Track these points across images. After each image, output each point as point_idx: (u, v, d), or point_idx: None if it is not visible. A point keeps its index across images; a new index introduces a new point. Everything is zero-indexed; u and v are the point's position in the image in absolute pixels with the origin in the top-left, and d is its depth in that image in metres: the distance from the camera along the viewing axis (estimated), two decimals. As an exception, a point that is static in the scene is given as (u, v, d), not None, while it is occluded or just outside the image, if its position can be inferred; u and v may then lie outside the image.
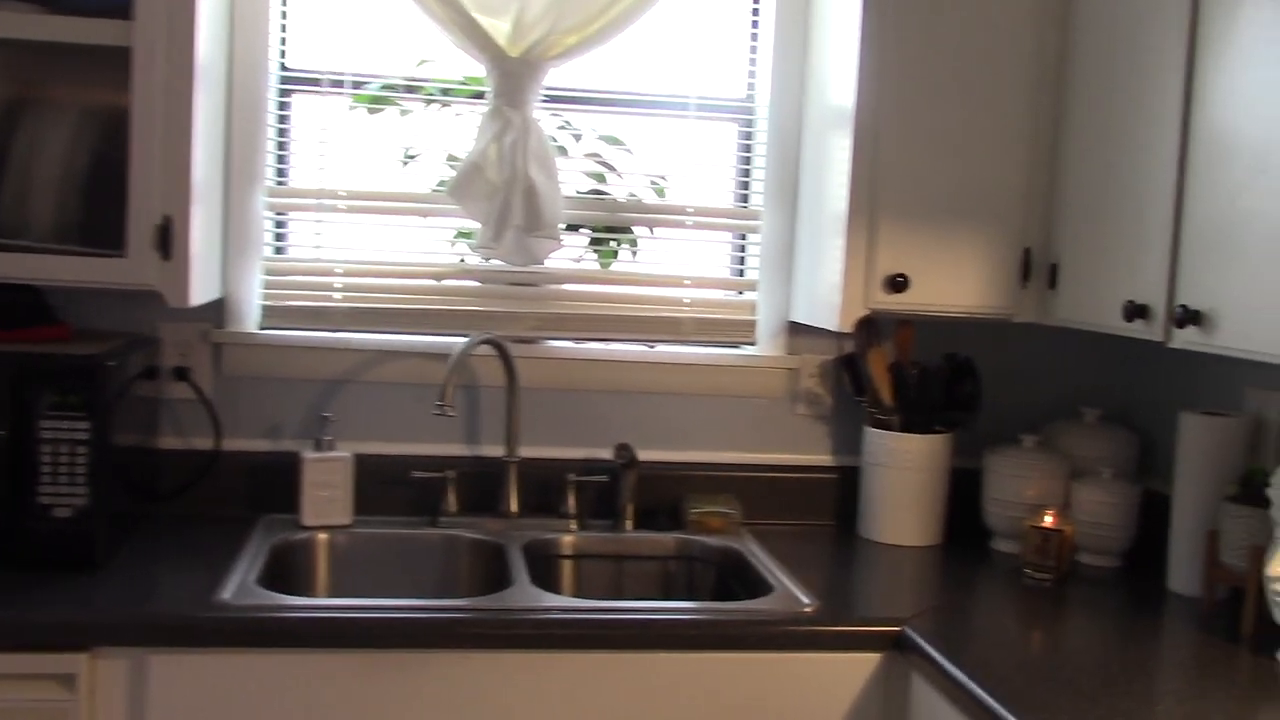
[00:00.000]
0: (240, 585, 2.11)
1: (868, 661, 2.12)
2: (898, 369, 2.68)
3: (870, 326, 2.62)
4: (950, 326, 2.68)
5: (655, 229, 2.79)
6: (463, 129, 2.71)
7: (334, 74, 2.64)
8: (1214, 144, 1.99)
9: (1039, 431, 2.72)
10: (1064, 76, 2.45)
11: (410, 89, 2.71)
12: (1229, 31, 1.97)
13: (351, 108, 2.68)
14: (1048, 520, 2.45)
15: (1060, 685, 1.85)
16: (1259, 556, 2.12)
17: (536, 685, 2.04)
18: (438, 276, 2.69)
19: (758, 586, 2.33)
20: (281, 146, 2.67)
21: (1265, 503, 2.12)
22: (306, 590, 2.45)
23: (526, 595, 2.16)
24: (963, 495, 2.69)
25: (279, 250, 2.69)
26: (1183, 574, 2.39)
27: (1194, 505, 2.36)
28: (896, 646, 2.10)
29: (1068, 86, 2.44)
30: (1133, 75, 2.22)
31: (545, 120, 2.64)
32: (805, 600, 2.19)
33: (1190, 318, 2.00)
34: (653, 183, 2.82)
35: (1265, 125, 1.86)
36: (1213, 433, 2.36)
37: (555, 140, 2.67)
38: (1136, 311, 2.14)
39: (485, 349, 2.56)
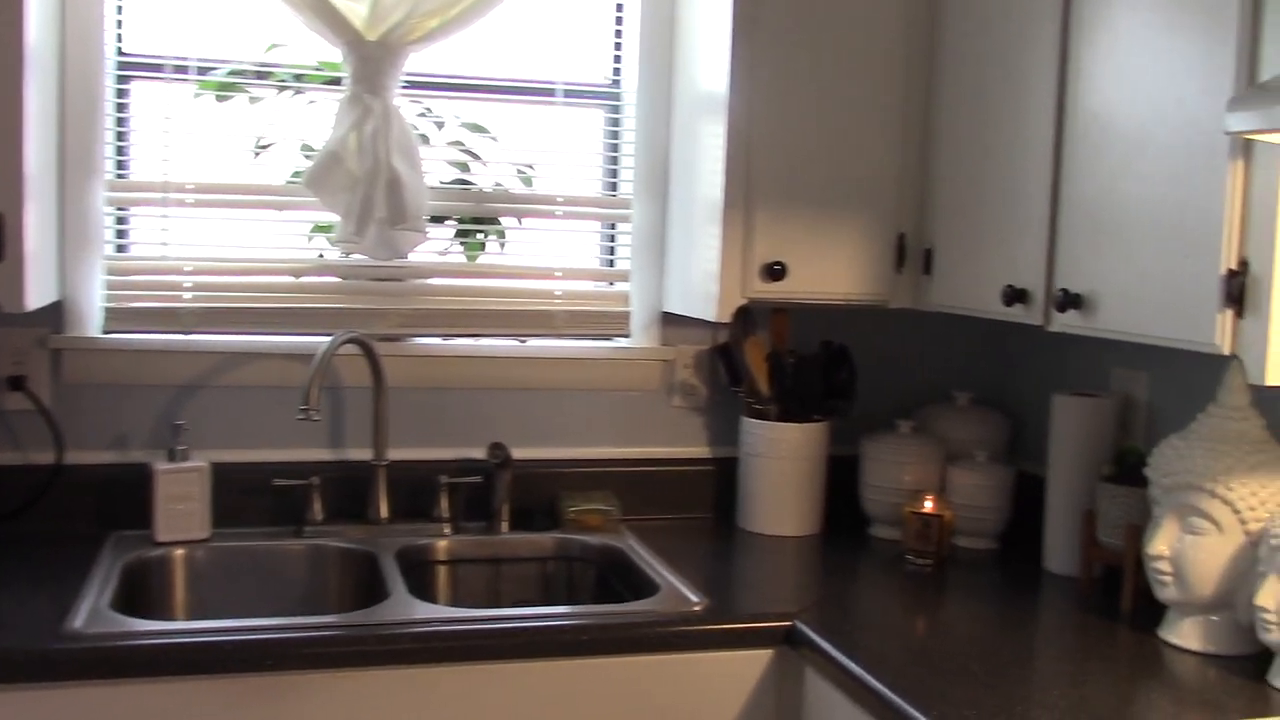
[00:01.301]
0: (92, 611, 1.96)
1: (760, 658, 2.08)
2: (775, 358, 2.65)
3: (745, 315, 2.58)
4: (823, 314, 2.66)
5: (523, 219, 2.70)
6: (318, 117, 2.58)
7: (177, 59, 2.47)
8: (1091, 127, 1.99)
9: (912, 417, 2.72)
10: (935, 60, 2.44)
11: (260, 75, 2.56)
12: (1103, 14, 1.98)
13: (197, 95, 2.52)
14: (927, 506, 2.45)
15: (956, 673, 1.84)
16: (1136, 535, 2.15)
17: (419, 702, 1.94)
18: (295, 273, 2.55)
19: (643, 586, 2.27)
20: (121, 137, 2.49)
21: (1142, 482, 2.15)
22: (164, 612, 2.30)
23: (406, 607, 2.05)
24: (839, 483, 2.68)
25: (121, 248, 2.52)
26: (1059, 554, 2.41)
27: (1068, 485, 2.39)
28: (788, 641, 2.07)
29: (939, 71, 2.44)
30: (1005, 59, 2.22)
31: (405, 107, 2.52)
32: (694, 598, 2.14)
33: (1071, 301, 2.00)
34: (519, 171, 2.72)
35: (1142, 108, 1.88)
36: (1084, 413, 2.38)
37: (416, 128, 2.55)
38: (1016, 296, 2.14)
39: (349, 348, 2.44)
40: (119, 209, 2.50)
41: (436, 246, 2.66)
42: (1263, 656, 1.89)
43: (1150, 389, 2.38)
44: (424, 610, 2.05)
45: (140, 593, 2.23)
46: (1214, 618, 1.96)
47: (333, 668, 1.91)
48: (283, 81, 2.58)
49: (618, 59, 2.73)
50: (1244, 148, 1.68)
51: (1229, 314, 1.71)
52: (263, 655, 1.87)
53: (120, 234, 2.52)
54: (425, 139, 2.61)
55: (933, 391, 2.83)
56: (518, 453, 2.58)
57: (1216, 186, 1.72)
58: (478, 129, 2.69)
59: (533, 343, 2.68)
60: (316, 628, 1.95)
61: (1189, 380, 2.28)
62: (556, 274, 2.68)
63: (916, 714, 1.69)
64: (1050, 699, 1.75)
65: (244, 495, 2.47)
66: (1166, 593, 1.99)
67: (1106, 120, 1.95)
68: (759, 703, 2.08)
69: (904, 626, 2.13)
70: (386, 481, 2.51)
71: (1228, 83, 1.70)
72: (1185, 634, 1.99)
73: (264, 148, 2.59)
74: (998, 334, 2.83)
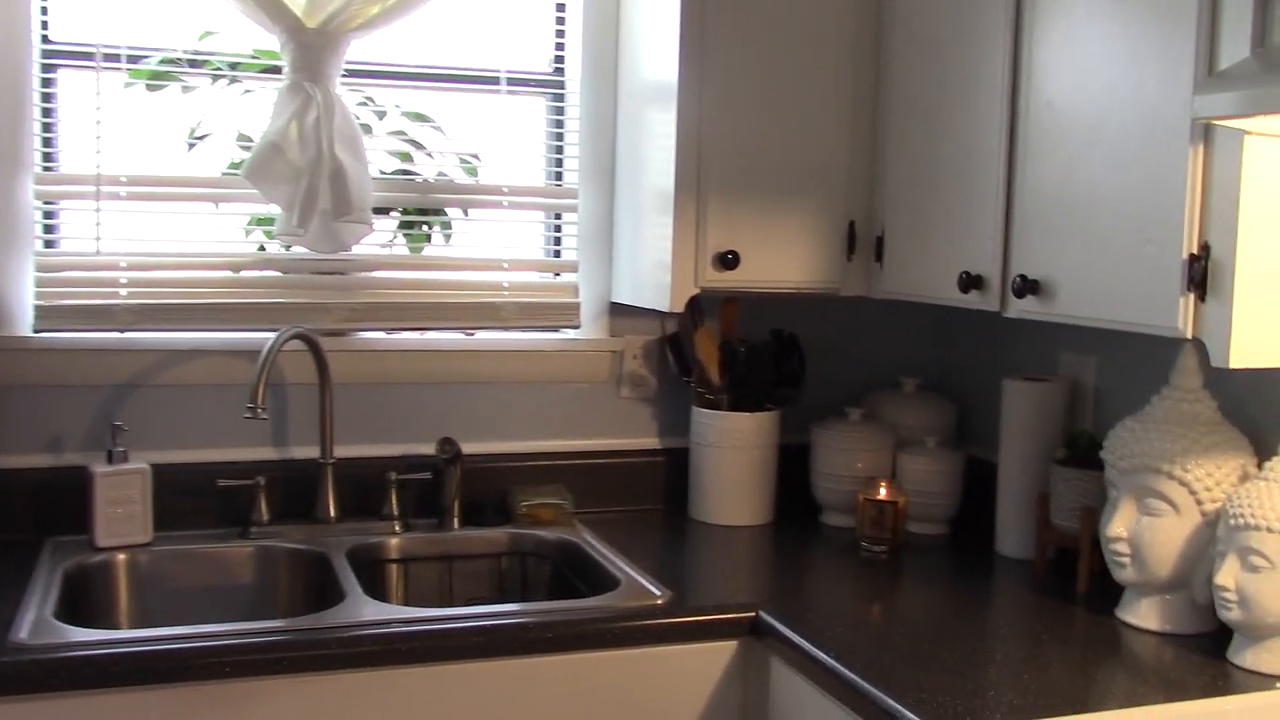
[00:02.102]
0: (36, 622, 1.88)
1: (724, 650, 2.07)
2: (726, 347, 2.63)
3: (694, 305, 2.56)
4: (770, 302, 2.65)
5: (469, 210, 2.65)
6: (255, 106, 2.50)
7: (106, 47, 2.38)
8: (1046, 115, 2.00)
9: (861, 404, 2.73)
10: (885, 47, 2.44)
11: (194, 64, 2.48)
12: (1056, 2, 1.99)
13: (127, 85, 2.43)
14: (881, 492, 2.46)
15: (925, 660, 1.84)
16: (1091, 518, 2.17)
17: (382, 704, 1.90)
18: (235, 267, 2.48)
19: (602, 580, 2.24)
20: (48, 129, 2.40)
21: (1095, 465, 2.17)
22: (108, 620, 2.22)
23: (364, 608, 2.00)
24: (789, 471, 2.67)
25: (51, 244, 2.42)
26: (1011, 537, 2.43)
27: (1019, 469, 2.41)
28: (753, 632, 2.06)
29: (889, 58, 2.43)
30: (956, 47, 2.23)
31: (345, 97, 2.46)
32: (656, 592, 2.12)
33: (1029, 287, 2.01)
34: (463, 161, 2.67)
35: (1099, 95, 1.89)
36: (1034, 398, 2.41)
37: (358, 118, 2.48)
38: (972, 283, 2.15)
39: (293, 344, 2.38)
40: (47, 203, 2.41)
41: (380, 239, 2.60)
42: (1219, 634, 1.92)
43: (1098, 373, 2.41)
44: (383, 611, 2.00)
45: (83, 600, 2.15)
46: (1170, 597, 1.99)
47: (293, 673, 1.85)
48: (217, 70, 2.50)
49: (560, 47, 2.69)
50: (1205, 133, 1.70)
51: (1191, 298, 1.73)
52: (221, 662, 1.81)
53: (49, 229, 2.42)
54: (367, 129, 2.55)
55: (880, 378, 2.84)
56: (467, 447, 2.54)
57: (1177, 172, 1.73)
58: (421, 118, 2.64)
59: (480, 335, 2.64)
60: (275, 632, 1.88)
61: (1136, 364, 2.31)
62: (504, 265, 2.63)
63: (894, 704, 1.68)
64: (1021, 682, 1.76)
65: (187, 497, 2.40)
66: (1124, 574, 2.01)
67: (1063, 108, 1.96)
68: (724, 695, 2.07)
69: (867, 614, 2.12)
70: (334, 480, 2.46)
71: (1187, 69, 1.72)
72: (1143, 614, 2.01)
73: (199, 139, 2.51)
74: (943, 320, 2.85)
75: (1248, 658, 1.83)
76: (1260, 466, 1.92)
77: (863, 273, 2.49)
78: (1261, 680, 1.79)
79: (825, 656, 1.86)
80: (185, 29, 2.46)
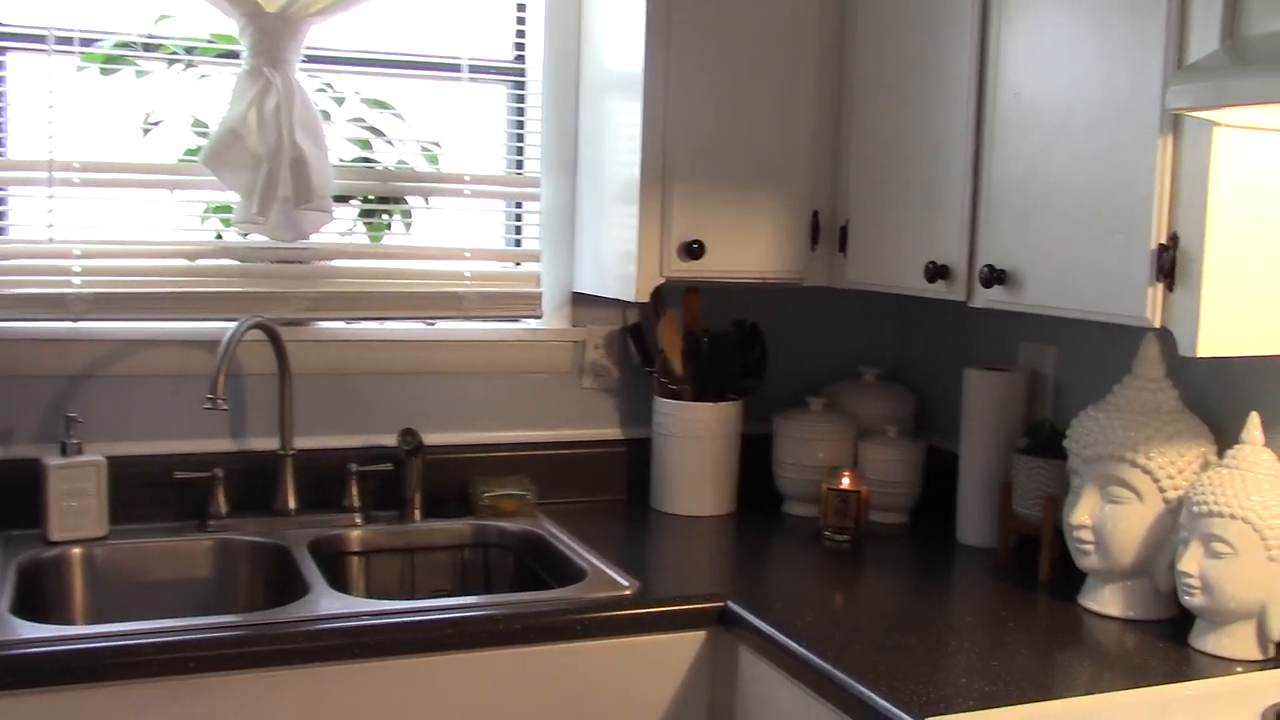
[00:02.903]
0: (-7, 618, 1.83)
1: (693, 639, 2.06)
2: (690, 337, 2.62)
3: (657, 295, 2.54)
4: (731, 292, 2.65)
5: (430, 198, 2.61)
6: (211, 92, 2.45)
7: (59, 30, 2.32)
8: (1014, 107, 2.01)
9: (822, 394, 2.73)
10: (850, 37, 2.43)
11: (149, 47, 2.42)
12: (1023, -6, 2.00)
13: (80, 69, 2.37)
14: (845, 482, 2.46)
15: (895, 648, 1.84)
16: (1054, 506, 2.19)
17: (350, 698, 1.87)
18: (192, 256, 2.43)
19: (568, 571, 2.23)
20: (-2, 113, 2.33)
21: (1056, 453, 2.19)
22: (63, 617, 2.17)
23: (330, 601, 1.97)
24: (750, 461, 2.67)
25: (1, 231, 2.36)
26: (973, 526, 2.45)
27: (981, 459, 2.42)
28: (721, 622, 2.05)
29: (854, 47, 2.43)
30: (922, 37, 2.23)
31: (304, 82, 2.41)
32: (624, 582, 2.11)
33: (996, 277, 2.02)
34: (424, 149, 2.64)
35: (1066, 87, 1.90)
36: (995, 388, 2.42)
37: (317, 104, 2.44)
38: (939, 272, 2.15)
39: (252, 333, 2.33)
40: (-2, 189, 2.35)
41: (340, 227, 2.56)
42: (1180, 620, 1.95)
43: (1058, 363, 2.43)
44: (350, 604, 1.98)
45: (36, 596, 2.10)
46: (1132, 584, 2.01)
47: (258, 667, 1.82)
48: (173, 55, 2.44)
49: (521, 34, 2.67)
50: (1173, 124, 1.71)
51: (1160, 288, 1.74)
52: (185, 657, 1.77)
53: (0, 215, 2.37)
54: (326, 116, 2.51)
55: (840, 368, 2.84)
56: (428, 438, 2.52)
57: (1146, 162, 1.74)
58: (381, 105, 2.60)
59: (441, 325, 2.61)
60: (239, 626, 1.85)
61: (1095, 354, 2.33)
62: (465, 254, 2.60)
63: (867, 692, 1.69)
64: (991, 670, 1.77)
65: (143, 490, 2.35)
66: (1088, 561, 2.03)
67: (1031, 98, 1.97)
68: (692, 685, 2.06)
69: (834, 603, 2.13)
70: (294, 472, 2.42)
71: (1157, 61, 1.73)
72: (1106, 601, 2.03)
73: (154, 124, 2.45)
74: (903, 310, 2.86)
75: (1210, 642, 1.86)
76: (1221, 455, 1.94)
77: (826, 263, 2.49)
78: (1224, 665, 1.82)
79: (796, 646, 1.86)
80: (140, 12, 2.40)
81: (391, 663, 1.89)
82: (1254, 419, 1.87)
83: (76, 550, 2.21)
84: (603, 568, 2.18)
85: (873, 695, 1.67)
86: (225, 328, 2.26)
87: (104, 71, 2.41)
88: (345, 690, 1.87)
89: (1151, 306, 1.75)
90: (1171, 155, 1.72)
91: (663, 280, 2.40)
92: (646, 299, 2.41)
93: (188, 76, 2.46)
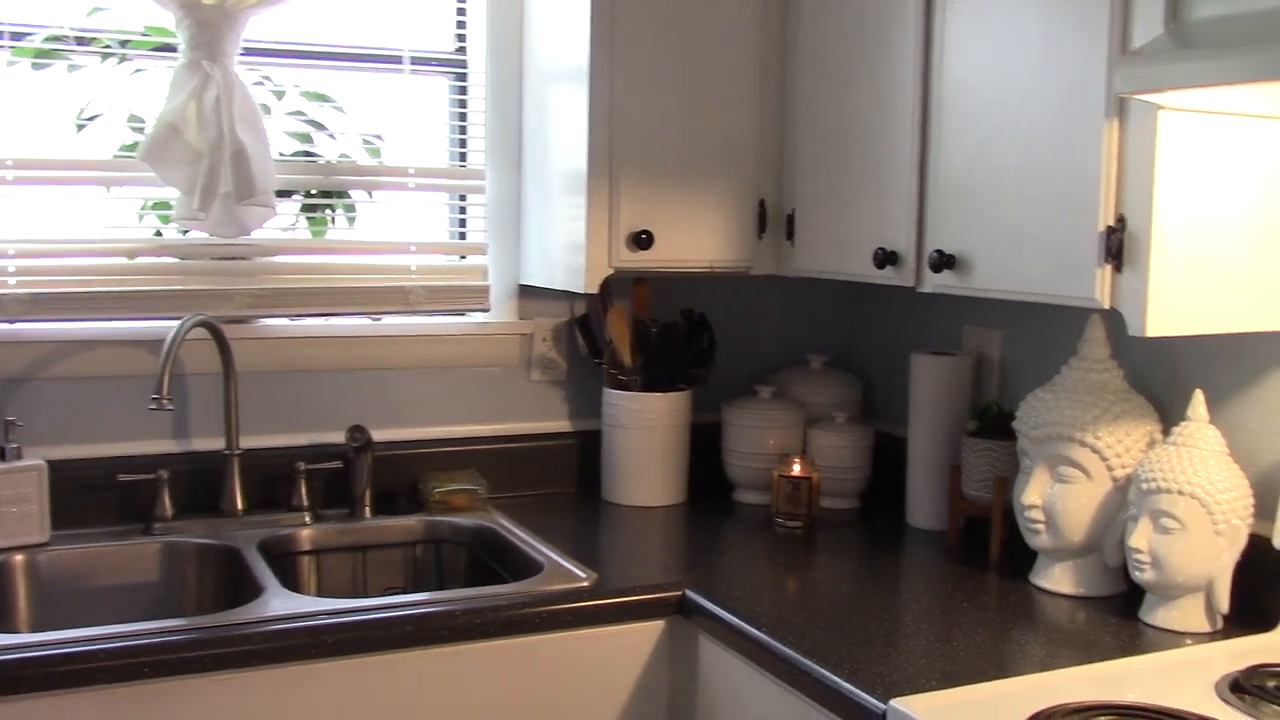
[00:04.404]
0: (-64, 628, 1.78)
1: (652, 629, 2.07)
2: (639, 328, 2.62)
3: (604, 286, 2.54)
4: (677, 282, 2.65)
5: (374, 192, 2.59)
6: (147, 86, 2.41)
7: (-13, 23, 2.27)
8: (960, 91, 2.03)
9: (769, 381, 2.74)
10: (794, 24, 2.44)
11: (82, 41, 2.37)
12: (967, -19, 2.02)
13: (11, 63, 2.31)
14: (796, 468, 2.48)
15: (855, 632, 1.86)
16: (1003, 487, 2.23)
17: (308, 700, 1.85)
18: (130, 254, 2.38)
19: (523, 565, 2.22)
20: (-75, 109, 2.27)
21: (1005, 435, 2.23)
22: (6, 625, 2.12)
23: (286, 601, 1.95)
24: (699, 450, 2.68)
25: (-70, 231, 2.30)
26: (922, 509, 2.48)
27: (929, 442, 2.45)
28: (680, 611, 2.06)
29: (797, 34, 2.43)
30: (866, 21, 2.24)
31: (242, 75, 2.37)
32: (581, 574, 2.11)
33: (946, 262, 2.04)
34: (366, 142, 2.61)
35: (1014, 73, 1.92)
36: (942, 372, 2.45)
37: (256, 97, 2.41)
38: (888, 259, 2.17)
39: (194, 332, 2.29)
40: (-75, 188, 2.28)
41: (282, 222, 2.53)
42: (1130, 595, 1.99)
43: (1004, 346, 2.46)
44: (306, 603, 1.95)
45: (-21, 605, 2.05)
46: (1082, 561, 2.05)
47: (216, 670, 1.79)
48: (107, 48, 2.39)
49: (462, 25, 2.65)
50: (1119, 108, 1.74)
51: (1108, 269, 1.77)
52: (140, 663, 1.74)
53: (-72, 215, 2.30)
54: (265, 109, 2.47)
55: (787, 355, 2.86)
56: (377, 435, 2.49)
57: (1093, 146, 1.77)
58: (321, 98, 2.57)
59: (387, 320, 2.58)
60: (195, 629, 1.82)
61: (1039, 337, 2.36)
62: (411, 248, 2.58)
63: (830, 675, 1.70)
64: (951, 650, 1.79)
65: (85, 494, 2.31)
66: (1039, 540, 2.07)
67: (976, 83, 1.99)
68: (653, 674, 2.07)
69: (791, 589, 2.14)
70: (240, 471, 2.39)
71: (1101, 46, 1.76)
72: (1056, 579, 2.07)
73: (88, 120, 2.41)
74: (849, 298, 2.88)
75: (1159, 616, 1.90)
76: (1166, 433, 1.99)
77: (774, 251, 2.50)
78: (1173, 638, 1.86)
79: (757, 632, 1.87)
80: (72, 5, 2.35)
81: (352, 661, 1.87)
82: (1198, 396, 1.91)
83: (19, 557, 2.16)
84: (559, 560, 2.18)
85: (836, 679, 1.69)
86: (167, 327, 2.23)
87: (36, 66, 2.36)
88: (305, 691, 1.85)
89: (1100, 288, 1.78)
90: (1118, 138, 1.75)
91: (612, 271, 2.39)
92: (596, 290, 2.41)
93: (123, 70, 2.42)
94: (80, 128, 2.40)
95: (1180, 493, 1.84)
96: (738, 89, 2.44)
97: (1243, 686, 1.61)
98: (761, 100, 2.46)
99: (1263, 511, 1.88)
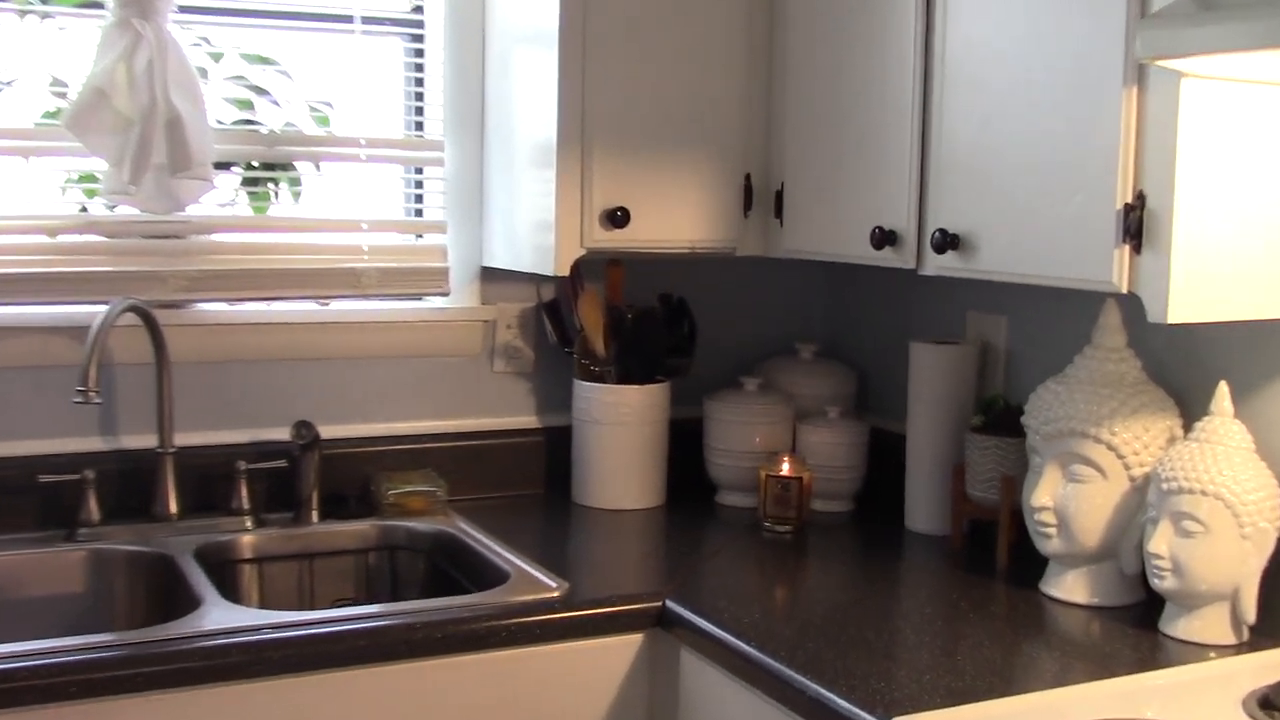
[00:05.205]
0: None
1: (629, 643, 2.07)
2: (612, 314, 2.62)
3: (575, 268, 2.53)
4: (654, 264, 2.65)
5: (322, 164, 2.58)
6: (72, 47, 2.39)
7: (-108, -24, 2.24)
8: (964, 58, 2.04)
9: (755, 373, 2.75)
10: (780, -15, 2.45)
11: (-3, -3, 2.36)
12: (973, -63, 2.03)
13: (-82, 21, 2.30)
14: (785, 468, 2.48)
15: (851, 644, 1.87)
16: (1011, 487, 2.24)
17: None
18: (52, 231, 2.36)
19: (487, 574, 2.22)
20: None
21: (1013, 431, 2.24)
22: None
23: (226, 614, 1.94)
24: (680, 448, 2.68)
25: None
26: (922, 512, 2.49)
27: (929, 439, 2.46)
28: (660, 623, 2.06)
29: (784, -3, 2.45)
30: (862, -16, 2.25)
31: (178, 36, 2.36)
32: (551, 584, 2.11)
33: (950, 242, 2.05)
34: (313, 110, 2.60)
35: (1021, 37, 1.93)
36: (944, 362, 2.46)
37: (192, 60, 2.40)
38: (886, 239, 2.18)
39: (125, 318, 2.28)
40: None
41: (221, 197, 2.52)
42: (1148, 604, 2.00)
43: (1009, 334, 2.47)
44: (250, 616, 1.95)
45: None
46: (1097, 568, 2.06)
47: (150, 690, 1.78)
48: (27, 5, 2.37)
49: (418, -21, 2.65)
50: (1138, 75, 1.75)
51: (1126, 250, 1.78)
52: (67, 682, 1.73)
53: None
54: (203, 73, 2.46)
55: (775, 345, 2.87)
56: (325, 431, 2.49)
57: (1109, 117, 1.78)
58: (264, 61, 2.56)
59: (337, 305, 2.58)
60: (127, 644, 1.81)
61: (1048, 324, 2.38)
62: (362, 226, 2.57)
63: (825, 692, 1.71)
64: (955, 664, 1.80)
65: (2, 496, 2.30)
66: (1050, 545, 2.08)
67: (983, 49, 2.00)
68: (631, 692, 2.07)
69: (782, 599, 2.15)
70: (174, 471, 2.38)
71: (1119, 8, 1.76)
72: (1069, 587, 2.08)
73: (6, 84, 2.39)
74: (841, 281, 2.89)
75: (1181, 627, 1.91)
76: (1187, 428, 2.00)
77: (760, 230, 2.51)
78: (1196, 650, 1.87)
79: (745, 646, 1.87)
80: (-14, -43, 2.33)
81: (299, 680, 1.86)
82: (1223, 389, 1.93)
83: (-71, 566, 2.15)
84: (526, 569, 2.18)
85: (832, 696, 1.69)
86: (94, 312, 2.21)
87: (-55, 24, 2.34)
88: (248, 712, 1.84)
89: (1118, 270, 1.79)
90: (1136, 108, 1.76)
91: (584, 252, 2.39)
92: (566, 272, 2.41)
93: (44, 30, 2.40)
94: (-4, 93, 2.38)
95: (1203, 493, 1.86)
96: (722, 53, 2.44)
97: (1272, 703, 1.63)
98: (748, 65, 2.46)
99: (1292, 513, 1.89)
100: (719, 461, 2.68)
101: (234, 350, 2.49)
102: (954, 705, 1.65)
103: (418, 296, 2.64)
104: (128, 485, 2.38)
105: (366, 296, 2.58)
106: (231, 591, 2.26)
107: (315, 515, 2.45)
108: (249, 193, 2.58)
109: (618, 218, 2.37)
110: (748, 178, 2.49)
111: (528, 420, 2.73)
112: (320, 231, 2.55)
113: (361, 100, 2.59)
